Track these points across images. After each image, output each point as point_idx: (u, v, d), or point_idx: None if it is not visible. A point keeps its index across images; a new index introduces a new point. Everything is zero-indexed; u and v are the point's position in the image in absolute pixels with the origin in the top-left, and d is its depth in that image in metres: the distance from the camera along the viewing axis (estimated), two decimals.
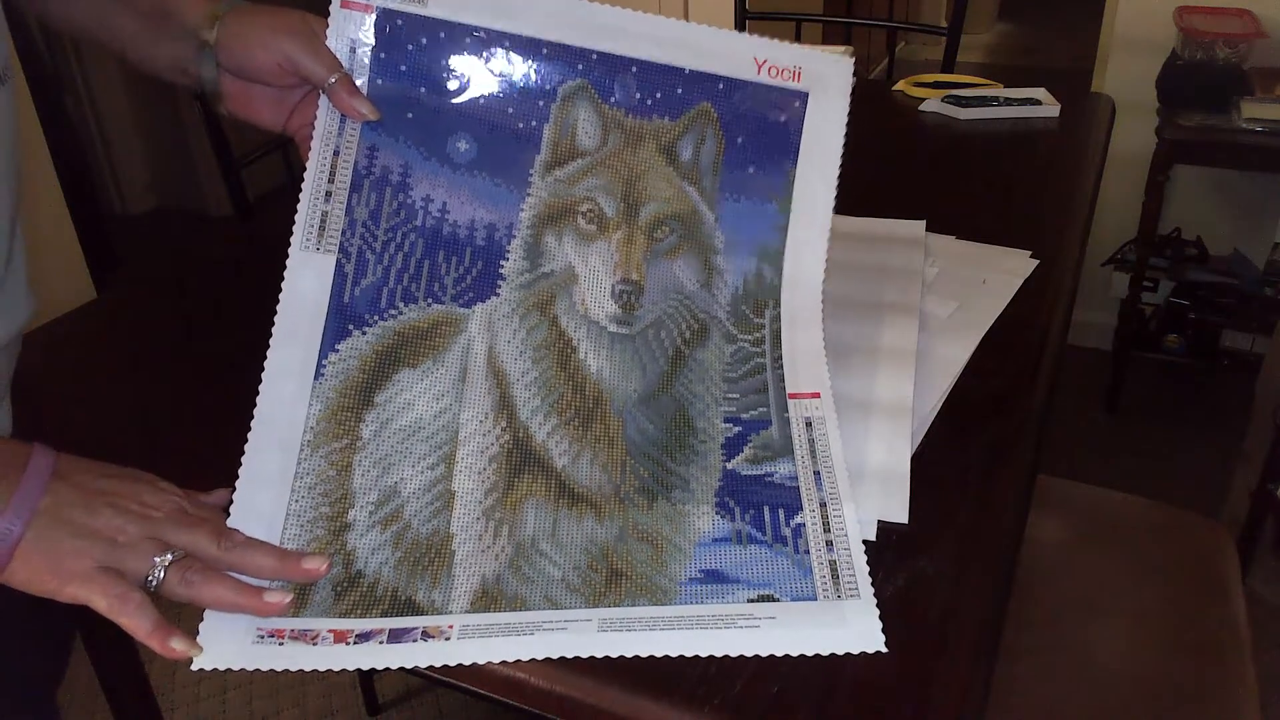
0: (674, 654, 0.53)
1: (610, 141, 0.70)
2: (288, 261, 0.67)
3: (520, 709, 0.54)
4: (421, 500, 0.62)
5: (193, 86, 0.73)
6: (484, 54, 0.69)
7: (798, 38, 1.74)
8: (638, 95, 0.70)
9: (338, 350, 0.66)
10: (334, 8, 0.69)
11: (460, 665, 0.53)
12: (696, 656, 0.53)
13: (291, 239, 0.67)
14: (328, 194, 0.68)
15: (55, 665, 0.86)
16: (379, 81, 0.69)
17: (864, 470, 0.65)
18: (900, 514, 0.61)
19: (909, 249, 0.90)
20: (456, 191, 0.69)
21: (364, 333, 0.66)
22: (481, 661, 0.53)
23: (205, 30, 0.69)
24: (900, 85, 1.41)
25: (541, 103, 0.70)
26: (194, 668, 0.54)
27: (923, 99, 1.34)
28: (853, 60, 0.72)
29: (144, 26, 0.72)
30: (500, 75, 0.69)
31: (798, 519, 0.60)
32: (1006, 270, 0.89)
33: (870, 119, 1.35)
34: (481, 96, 0.69)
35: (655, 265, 0.69)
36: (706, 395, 0.66)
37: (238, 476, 0.61)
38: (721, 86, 0.71)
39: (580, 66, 0.70)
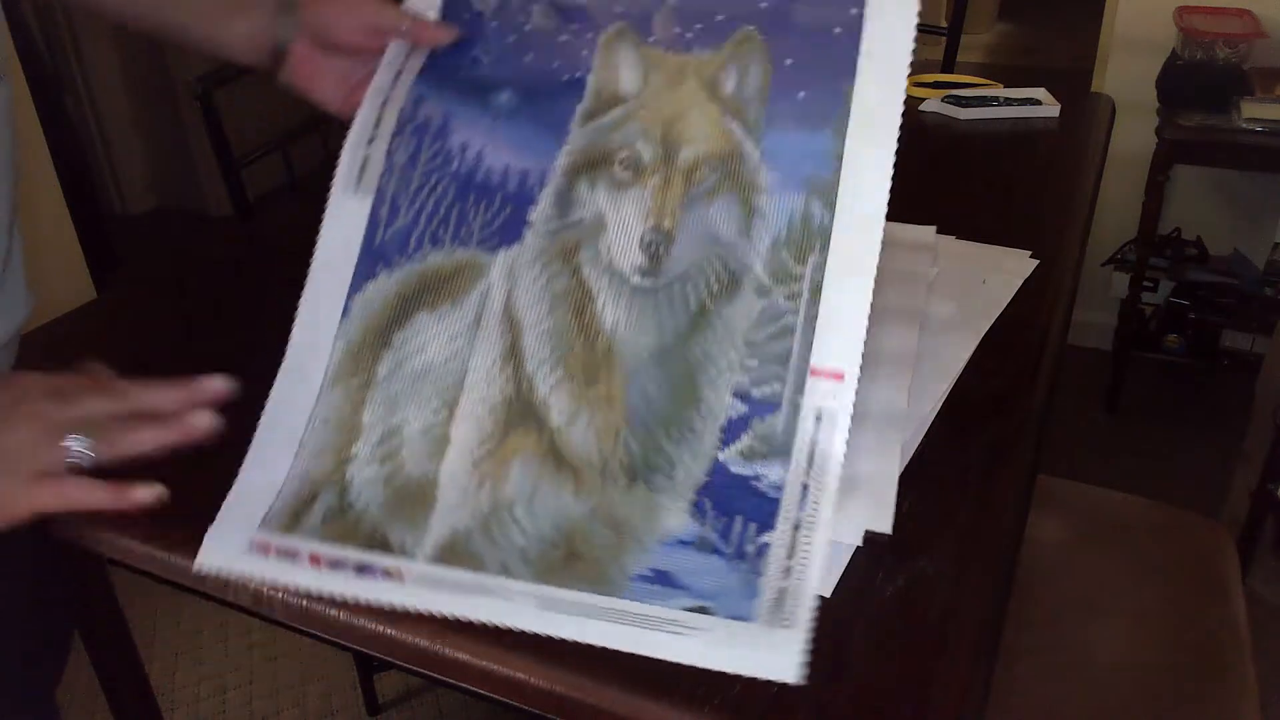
0: (597, 644, 0.53)
1: (651, 83, 0.67)
2: (328, 203, 0.69)
3: (520, 709, 0.54)
4: (418, 442, 0.63)
5: (259, 61, 0.74)
6: (530, 13, 0.71)
7: None
8: (677, 29, 0.67)
9: (364, 290, 0.67)
10: None
11: (407, 610, 0.56)
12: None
13: (333, 181, 0.70)
14: (371, 139, 0.70)
15: (55, 665, 0.86)
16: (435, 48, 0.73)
17: (853, 479, 0.63)
18: (885, 525, 0.60)
19: (916, 254, 0.90)
20: (494, 138, 0.69)
21: (390, 274, 0.67)
22: (424, 611, 0.55)
23: None
24: None
25: (585, 53, 0.69)
26: (194, 569, 0.58)
27: (923, 99, 1.34)
28: None
29: (218, 2, 0.74)
30: (546, 33, 0.70)
31: (766, 538, 0.58)
32: (1006, 270, 0.89)
33: None
34: (529, 54, 0.71)
35: (691, 211, 0.64)
36: (722, 359, 0.62)
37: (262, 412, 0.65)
38: (765, 5, 0.66)
39: (619, 9, 0.69)
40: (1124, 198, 2.15)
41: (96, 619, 0.91)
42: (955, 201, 1.07)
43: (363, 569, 0.58)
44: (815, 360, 0.60)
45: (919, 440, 0.69)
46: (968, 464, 0.67)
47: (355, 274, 0.67)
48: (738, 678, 0.52)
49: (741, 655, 0.52)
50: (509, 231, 0.67)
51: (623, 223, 0.65)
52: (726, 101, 0.65)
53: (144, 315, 0.94)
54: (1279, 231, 2.11)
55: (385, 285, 0.67)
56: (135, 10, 0.76)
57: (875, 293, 0.61)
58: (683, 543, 0.58)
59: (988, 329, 0.81)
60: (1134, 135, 1.99)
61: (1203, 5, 2.01)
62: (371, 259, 0.68)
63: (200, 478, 0.62)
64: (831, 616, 0.56)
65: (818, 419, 0.60)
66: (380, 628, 0.56)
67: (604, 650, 0.53)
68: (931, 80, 1.41)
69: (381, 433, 0.63)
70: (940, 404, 0.72)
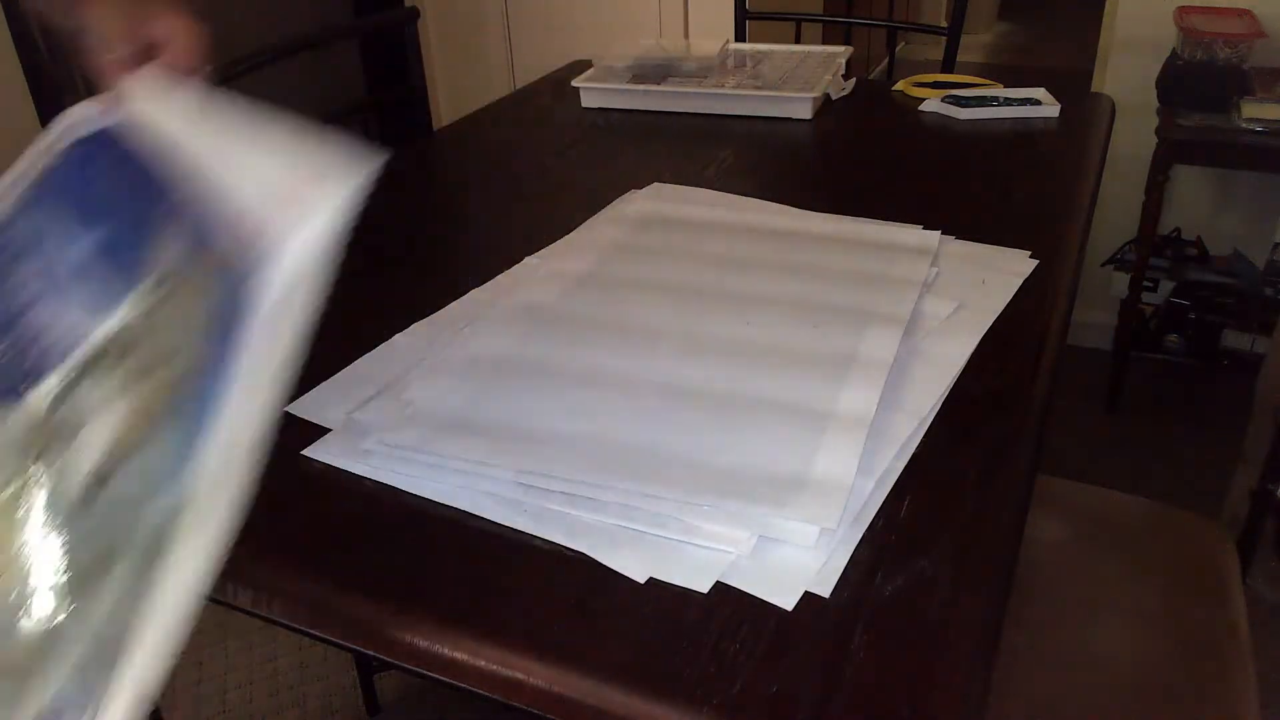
0: None
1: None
2: None
3: (520, 709, 0.54)
4: None
5: None
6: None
7: (798, 38, 1.74)
8: None
9: None
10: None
11: None
12: (697, 656, 0.53)
13: None
14: None
15: None
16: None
17: (807, 477, 0.64)
18: (830, 521, 0.60)
19: (915, 259, 0.90)
20: (55, 287, 0.64)
21: None
22: None
23: None
24: (900, 85, 1.41)
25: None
26: None
27: (923, 99, 1.34)
28: None
29: None
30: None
31: None
32: (1006, 270, 0.89)
33: (870, 119, 1.35)
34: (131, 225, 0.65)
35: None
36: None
37: None
38: None
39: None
40: (1124, 198, 2.15)
41: None
42: (955, 201, 1.07)
43: None
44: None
45: (919, 440, 0.69)
46: (968, 464, 0.67)
47: None
48: (738, 677, 0.52)
49: None
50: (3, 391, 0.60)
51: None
52: None
53: None
54: (1279, 231, 2.11)
55: None
56: None
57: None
58: None
59: (988, 329, 0.81)
60: (1134, 135, 1.99)
61: (1203, 5, 2.01)
62: None
63: None
64: (831, 617, 0.56)
65: None
66: (380, 628, 0.56)
67: (604, 649, 0.53)
68: (931, 80, 1.41)
69: None
70: (939, 404, 0.72)
